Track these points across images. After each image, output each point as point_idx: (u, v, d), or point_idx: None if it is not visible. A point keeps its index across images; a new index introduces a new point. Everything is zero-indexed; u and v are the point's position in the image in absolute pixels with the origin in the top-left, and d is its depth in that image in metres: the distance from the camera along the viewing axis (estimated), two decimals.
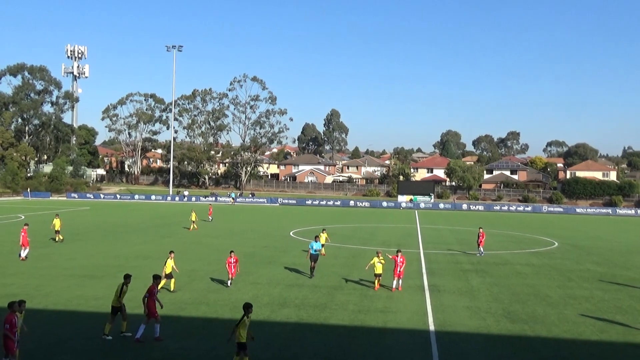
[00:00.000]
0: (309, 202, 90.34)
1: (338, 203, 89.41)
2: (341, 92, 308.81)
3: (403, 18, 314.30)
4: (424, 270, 28.32)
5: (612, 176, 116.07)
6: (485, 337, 17.06)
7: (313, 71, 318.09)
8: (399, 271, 23.05)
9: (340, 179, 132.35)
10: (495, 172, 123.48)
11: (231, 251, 23.69)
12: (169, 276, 21.96)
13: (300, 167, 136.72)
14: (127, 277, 16.54)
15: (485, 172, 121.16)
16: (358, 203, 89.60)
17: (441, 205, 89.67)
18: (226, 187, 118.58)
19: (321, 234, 31.71)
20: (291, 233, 44.90)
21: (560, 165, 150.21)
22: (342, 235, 43.95)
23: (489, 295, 22.78)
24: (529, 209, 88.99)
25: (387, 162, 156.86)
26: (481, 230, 35.08)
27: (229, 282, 22.87)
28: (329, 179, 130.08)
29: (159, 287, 21.10)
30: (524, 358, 15.32)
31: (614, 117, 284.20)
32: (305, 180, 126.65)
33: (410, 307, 20.44)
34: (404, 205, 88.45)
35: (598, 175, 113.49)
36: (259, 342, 14.79)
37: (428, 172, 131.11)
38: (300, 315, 18.88)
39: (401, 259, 23.25)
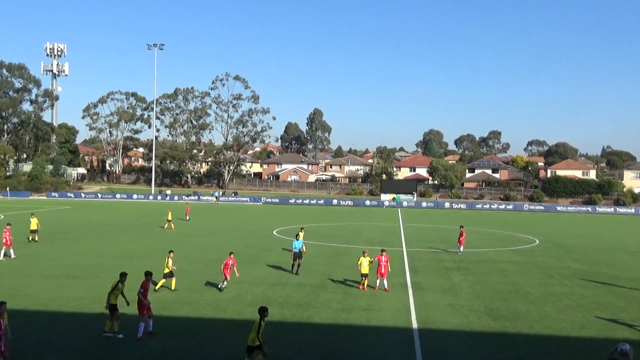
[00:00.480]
0: (292, 201, 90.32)
1: (321, 202, 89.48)
2: (324, 91, 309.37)
3: (387, 17, 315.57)
4: (406, 268, 28.47)
5: (592, 175, 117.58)
6: (467, 334, 17.22)
7: (296, 70, 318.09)
8: (383, 271, 23.09)
9: (324, 177, 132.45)
10: (477, 171, 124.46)
11: (230, 252, 23.08)
12: (168, 275, 21.89)
13: (284, 166, 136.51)
14: (123, 276, 16.49)
15: (467, 170, 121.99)
16: (341, 202, 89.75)
17: (424, 204, 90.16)
18: (209, 186, 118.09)
19: (300, 232, 31.52)
20: (274, 232, 44.86)
21: (541, 164, 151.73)
22: (326, 234, 44.02)
23: (471, 293, 22.98)
24: (511, 207, 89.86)
25: (370, 161, 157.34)
26: (462, 228, 35.40)
27: (224, 283, 22.24)
28: (312, 178, 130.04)
29: (158, 286, 21.38)
30: (506, 355, 15.49)
31: (594, 116, 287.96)
32: (289, 179, 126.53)
33: (394, 304, 20.55)
34: (387, 203, 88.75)
35: (578, 174, 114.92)
36: (240, 342, 14.68)
37: (411, 171, 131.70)
38: (283, 314, 18.89)
39: (385, 259, 23.31)
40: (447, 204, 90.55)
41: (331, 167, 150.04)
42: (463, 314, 19.46)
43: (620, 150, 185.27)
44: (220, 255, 31.51)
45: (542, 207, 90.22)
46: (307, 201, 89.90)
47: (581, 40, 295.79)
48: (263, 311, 13.34)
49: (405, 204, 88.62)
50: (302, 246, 27.03)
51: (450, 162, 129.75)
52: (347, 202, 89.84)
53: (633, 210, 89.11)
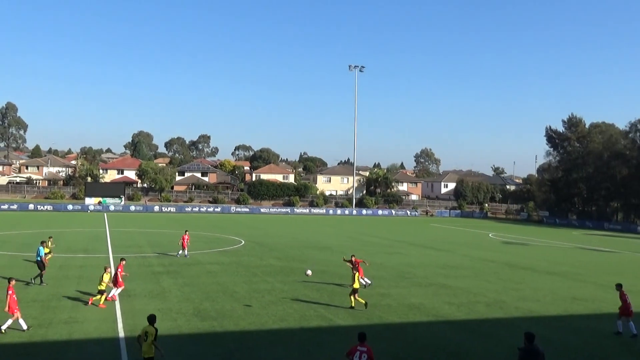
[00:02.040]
0: None
1: (15, 207, 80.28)
2: (19, 84, 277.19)
3: (93, 14, 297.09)
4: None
5: (291, 179, 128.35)
6: (176, 337, 17.25)
7: None
8: (121, 280, 22.08)
9: (18, 180, 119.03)
10: (187, 174, 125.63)
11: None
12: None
13: None
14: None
15: (177, 174, 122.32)
16: (39, 206, 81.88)
17: (132, 208, 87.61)
18: None
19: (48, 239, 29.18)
20: None
21: (247, 168, 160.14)
22: (20, 243, 39.60)
23: (180, 296, 23.10)
24: (219, 209, 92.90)
25: (74, 162, 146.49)
26: (186, 233, 36.22)
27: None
28: (3, 180, 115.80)
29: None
30: (214, 353, 15.97)
31: (293, 125, 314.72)
32: None
33: (99, 315, 19.50)
34: (92, 208, 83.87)
35: (279, 177, 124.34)
36: None
37: (118, 174, 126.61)
38: None
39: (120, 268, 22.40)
40: (156, 208, 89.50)
41: (27, 168, 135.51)
42: (172, 318, 19.46)
43: (314, 156, 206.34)
44: None
45: (247, 209, 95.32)
46: None
47: (280, 49, 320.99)
48: (154, 319, 13.66)
49: (112, 208, 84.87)
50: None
51: (160, 165, 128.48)
52: (46, 206, 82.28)
53: (324, 210, 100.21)
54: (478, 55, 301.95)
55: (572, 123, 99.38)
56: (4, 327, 16.96)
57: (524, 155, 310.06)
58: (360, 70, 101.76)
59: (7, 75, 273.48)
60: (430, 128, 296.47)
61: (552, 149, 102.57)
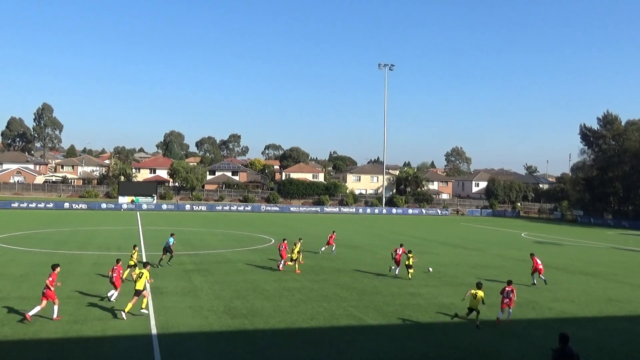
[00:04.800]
0: (16, 204, 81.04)
1: (50, 205, 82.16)
2: (55, 85, 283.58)
3: (120, 15, 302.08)
4: None
5: (321, 178, 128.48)
6: (207, 334, 17.43)
7: (21, 60, 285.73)
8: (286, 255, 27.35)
9: (54, 179, 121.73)
10: (217, 173, 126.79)
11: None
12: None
13: (5, 166, 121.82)
14: None
15: (208, 173, 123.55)
16: (74, 205, 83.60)
17: (164, 206, 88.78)
18: None
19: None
20: None
21: (276, 167, 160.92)
22: (56, 240, 40.50)
23: (211, 294, 23.31)
24: (249, 208, 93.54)
25: (107, 161, 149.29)
26: (333, 233, 39.66)
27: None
28: (39, 179, 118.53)
29: None
30: (244, 350, 16.07)
31: (322, 124, 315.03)
32: (11, 181, 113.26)
33: (131, 311, 19.79)
34: (125, 206, 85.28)
35: (309, 176, 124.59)
36: None
37: (151, 173, 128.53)
38: (4, 332, 16.84)
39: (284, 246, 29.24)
40: (187, 206, 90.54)
41: (62, 167, 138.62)
42: (203, 315, 19.66)
43: (344, 155, 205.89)
44: None
45: (277, 208, 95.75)
46: (33, 205, 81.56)
47: (301, 49, 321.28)
48: (481, 285, 19.80)
49: (145, 206, 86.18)
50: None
51: (191, 164, 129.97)
52: (80, 205, 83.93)
53: (354, 209, 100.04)
54: (510, 54, 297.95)
55: (608, 120, 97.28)
56: (113, 298, 20.97)
57: (558, 154, 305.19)
58: (390, 69, 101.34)
59: (44, 77, 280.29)
60: (461, 126, 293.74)
61: (586, 147, 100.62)
